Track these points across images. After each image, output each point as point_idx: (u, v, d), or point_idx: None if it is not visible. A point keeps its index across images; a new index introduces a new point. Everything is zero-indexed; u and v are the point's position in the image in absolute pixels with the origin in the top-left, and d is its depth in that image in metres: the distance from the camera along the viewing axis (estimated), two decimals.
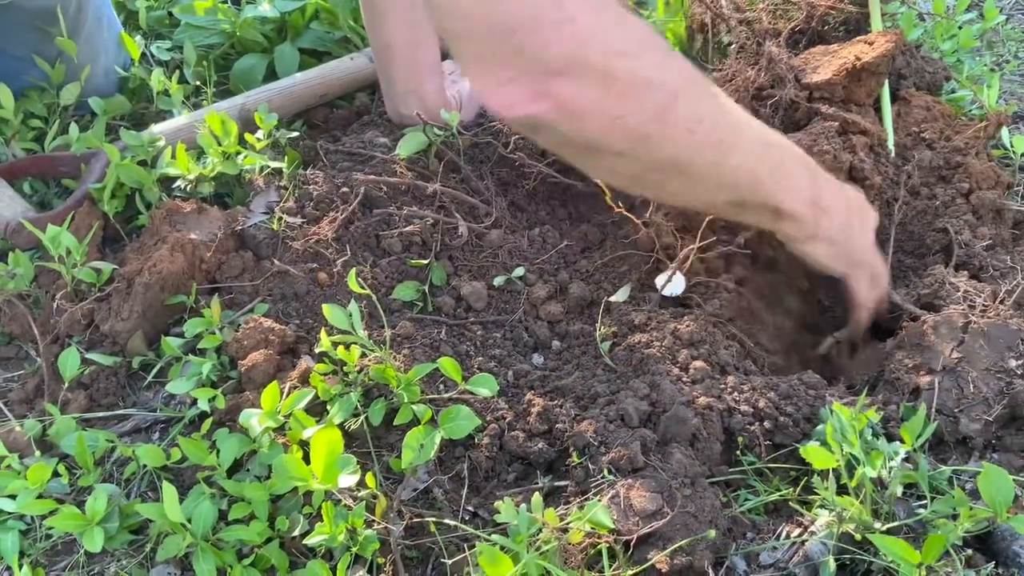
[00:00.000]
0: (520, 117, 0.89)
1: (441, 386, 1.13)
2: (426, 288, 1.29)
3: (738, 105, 1.07)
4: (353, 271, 1.06)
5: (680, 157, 0.96)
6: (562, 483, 1.03)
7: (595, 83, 0.85)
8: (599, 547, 0.91)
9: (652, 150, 0.93)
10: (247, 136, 1.41)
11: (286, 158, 1.43)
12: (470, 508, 1.02)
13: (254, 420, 1.00)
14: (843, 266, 1.18)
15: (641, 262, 1.33)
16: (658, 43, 0.95)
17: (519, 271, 1.33)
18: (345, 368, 1.06)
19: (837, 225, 1.13)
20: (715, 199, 1.08)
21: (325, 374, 1.08)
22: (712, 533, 0.89)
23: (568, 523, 0.92)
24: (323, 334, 1.07)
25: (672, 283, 1.22)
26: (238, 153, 1.40)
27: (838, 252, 1.16)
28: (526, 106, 0.86)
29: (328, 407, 1.06)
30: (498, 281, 1.32)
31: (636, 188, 1.12)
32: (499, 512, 0.93)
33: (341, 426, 1.03)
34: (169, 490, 0.91)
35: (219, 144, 1.39)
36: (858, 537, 0.91)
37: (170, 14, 1.87)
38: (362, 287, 1.06)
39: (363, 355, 1.08)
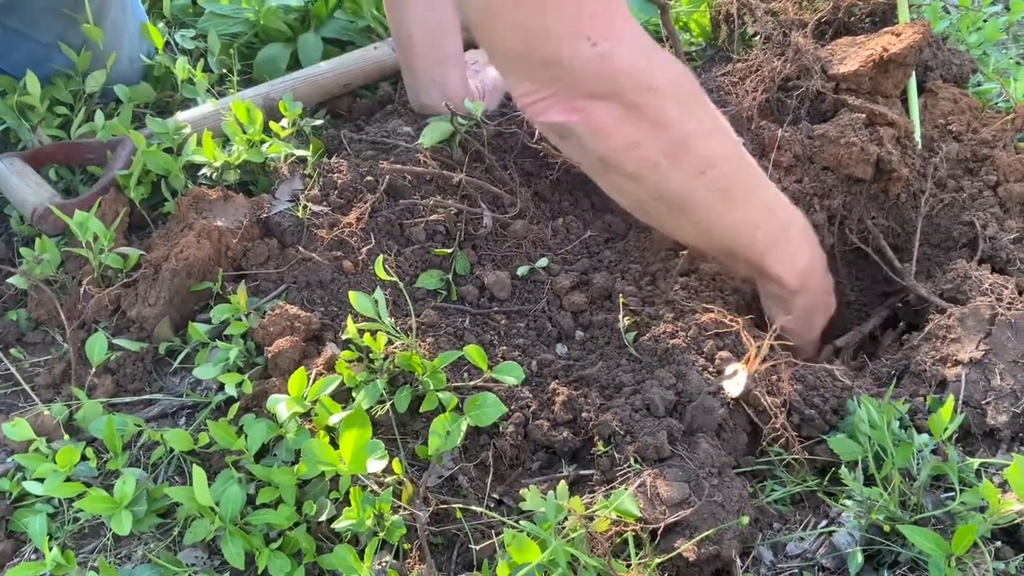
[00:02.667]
0: (549, 122, 0.97)
1: (465, 374, 1.13)
2: (450, 277, 1.29)
3: (762, 174, 1.12)
4: (380, 258, 1.07)
5: (684, 194, 1.04)
6: (587, 472, 1.03)
7: (622, 110, 0.94)
8: (625, 535, 0.91)
9: (660, 180, 1.02)
10: (272, 124, 1.41)
11: (311, 147, 1.43)
12: (495, 496, 1.03)
13: (281, 406, 1.00)
14: (791, 331, 1.21)
15: (666, 254, 1.32)
16: (688, 87, 1.01)
17: (543, 261, 1.33)
18: (371, 355, 1.06)
19: (804, 305, 1.19)
20: (709, 243, 1.17)
21: (351, 361, 1.09)
22: (745, 519, 0.89)
23: (594, 511, 0.92)
24: (349, 321, 1.07)
25: (734, 380, 1.10)
26: (263, 141, 1.40)
27: (794, 325, 1.20)
28: (557, 115, 0.95)
29: (354, 394, 1.07)
30: (522, 271, 1.31)
31: (639, 213, 1.18)
32: (524, 500, 0.93)
33: (367, 412, 1.03)
34: (199, 473, 0.92)
35: (244, 132, 1.39)
36: (887, 528, 0.90)
37: (194, 2, 1.87)
38: (388, 274, 1.06)
39: (388, 343, 1.08)
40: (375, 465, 0.87)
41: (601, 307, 1.29)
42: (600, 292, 1.29)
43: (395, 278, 1.06)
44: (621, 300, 1.23)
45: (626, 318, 1.20)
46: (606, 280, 1.30)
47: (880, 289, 1.41)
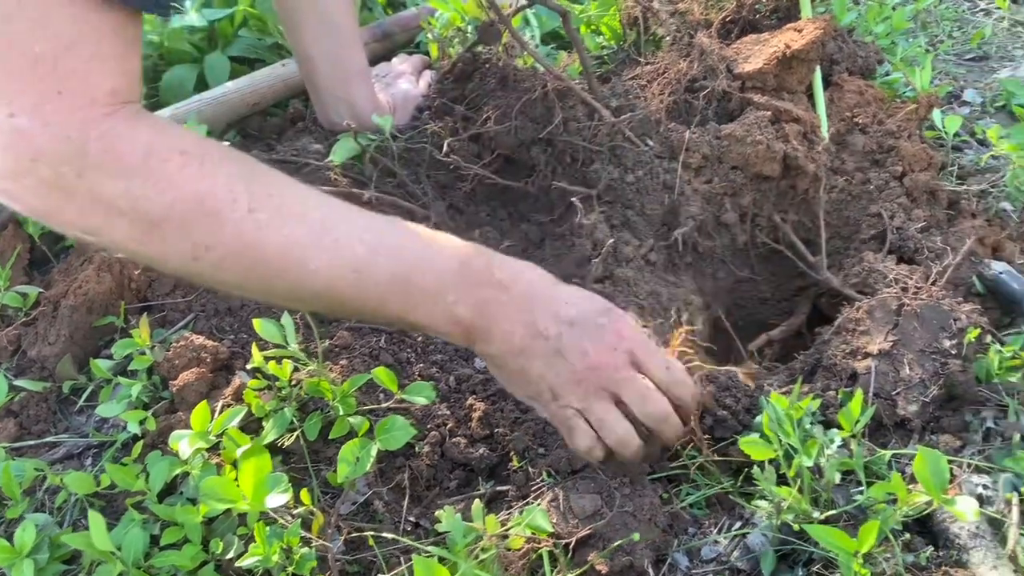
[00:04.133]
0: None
1: (381, 396, 1.11)
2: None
3: (343, 215, 0.91)
4: None
5: (212, 278, 0.89)
6: (504, 488, 1.02)
7: (55, 194, 0.80)
8: (540, 552, 0.90)
9: (173, 268, 0.88)
10: None
11: None
12: (412, 519, 1.01)
13: (184, 442, 0.98)
14: (540, 407, 0.98)
15: (581, 260, 1.32)
16: (155, 166, 0.80)
17: None
18: (278, 383, 1.04)
19: (496, 352, 0.94)
20: (322, 311, 1.09)
21: (259, 390, 1.06)
22: (636, 536, 0.88)
23: (508, 529, 0.91)
24: (255, 349, 1.04)
25: None
26: None
27: (518, 383, 0.97)
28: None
29: (264, 423, 1.04)
30: None
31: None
32: (440, 521, 0.92)
33: (275, 443, 1.01)
34: (96, 519, 0.89)
35: None
36: (796, 527, 0.91)
37: None
38: None
39: (297, 369, 1.06)
40: (275, 500, 0.85)
41: None
42: None
43: None
44: None
45: None
46: None
47: (795, 284, 1.42)
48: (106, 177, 0.79)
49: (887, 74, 1.71)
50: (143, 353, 1.14)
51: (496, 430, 1.06)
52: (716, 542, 0.95)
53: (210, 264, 0.84)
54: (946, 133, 1.50)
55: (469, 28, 1.60)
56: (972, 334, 1.08)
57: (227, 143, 1.48)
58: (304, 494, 0.94)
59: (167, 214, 0.81)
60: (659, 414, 0.95)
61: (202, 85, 1.67)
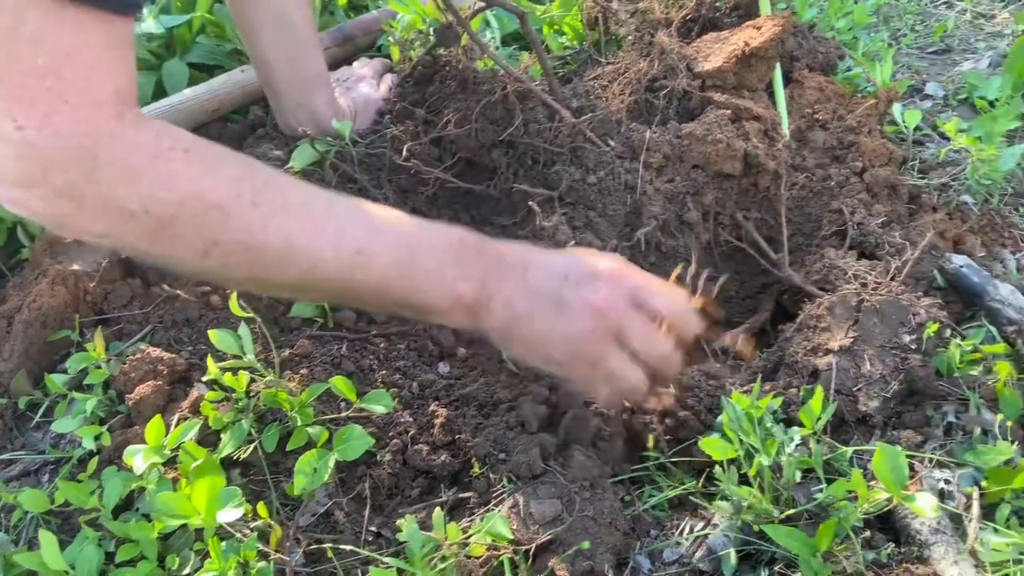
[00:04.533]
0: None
1: (342, 404, 1.10)
2: (326, 304, 1.26)
3: (342, 208, 0.93)
4: (234, 295, 1.03)
5: (219, 274, 0.92)
6: (466, 495, 1.01)
7: (65, 203, 0.81)
8: (501, 559, 0.89)
9: (180, 264, 0.89)
10: None
11: None
12: (373, 528, 1.00)
13: (138, 457, 0.96)
14: (558, 369, 0.97)
15: None
16: (162, 167, 0.82)
17: None
18: (235, 395, 1.03)
19: (499, 323, 0.94)
20: (328, 300, 1.13)
21: (216, 402, 1.05)
22: (586, 544, 0.87)
23: (469, 537, 0.90)
24: (210, 361, 1.03)
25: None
26: None
27: (518, 353, 0.99)
28: (9, 206, 0.84)
29: (223, 436, 1.03)
30: None
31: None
32: (401, 531, 0.91)
33: (234, 455, 1.00)
34: (47, 537, 0.87)
35: None
36: (756, 528, 0.90)
37: None
38: (245, 310, 1.02)
39: (254, 380, 1.05)
40: (227, 515, 0.83)
41: None
42: None
43: (251, 313, 1.03)
44: None
45: None
46: None
47: (759, 282, 1.42)
48: (116, 181, 0.80)
49: (848, 69, 1.71)
50: (98, 367, 1.12)
51: (458, 436, 1.05)
52: (678, 544, 0.95)
53: (219, 259, 0.86)
54: (906, 127, 1.51)
55: (430, 30, 1.59)
56: (931, 328, 1.08)
57: None
58: (261, 507, 0.92)
59: (176, 213, 0.83)
60: (664, 355, 0.97)
61: (161, 92, 1.65)
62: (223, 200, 0.85)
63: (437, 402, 1.11)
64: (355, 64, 1.69)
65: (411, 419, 1.08)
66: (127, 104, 0.82)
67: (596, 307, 0.93)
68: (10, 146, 0.77)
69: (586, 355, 0.94)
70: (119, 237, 0.85)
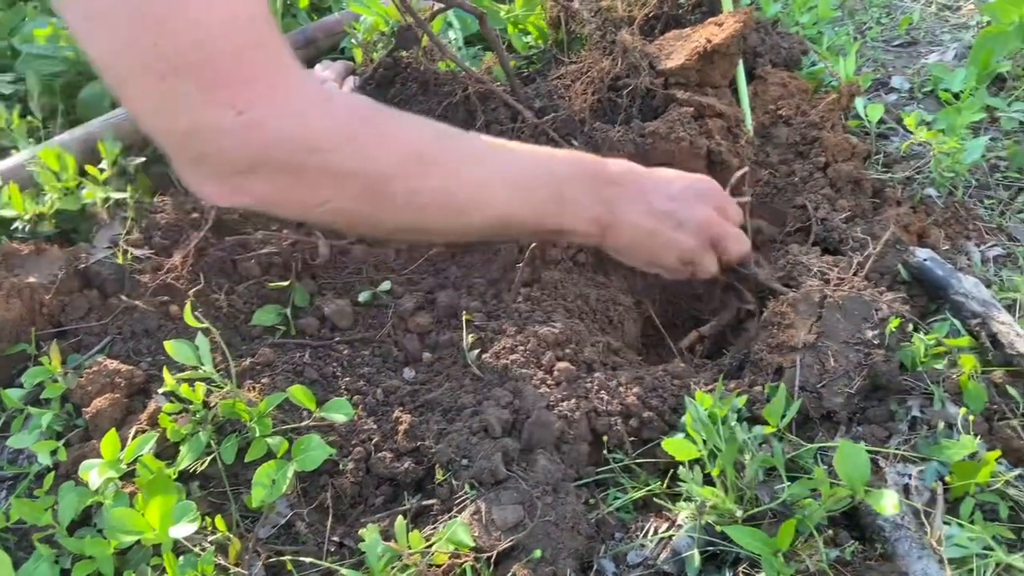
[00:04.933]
0: (225, 207, 0.92)
1: (304, 413, 1.08)
2: (288, 311, 1.24)
3: (502, 152, 1.05)
4: (188, 304, 1.02)
5: (410, 225, 0.99)
6: (429, 502, 1.00)
7: (286, 178, 0.86)
8: (464, 566, 0.88)
9: (377, 223, 0.98)
10: (88, 168, 1.34)
11: (133, 186, 1.36)
12: (336, 539, 0.99)
13: (94, 472, 0.94)
14: (658, 268, 1.18)
15: (508, 264, 1.30)
16: (362, 129, 0.91)
17: (385, 285, 1.30)
18: (192, 407, 1.01)
19: (627, 243, 1.12)
20: (474, 240, 1.17)
21: (174, 414, 1.03)
22: (537, 553, 0.86)
23: (431, 544, 0.89)
24: (165, 372, 1.01)
25: None
26: (80, 186, 1.33)
27: (636, 262, 1.17)
28: (226, 200, 0.87)
29: (182, 448, 1.01)
30: (363, 297, 1.28)
31: (394, 242, 1.20)
32: (364, 540, 0.89)
33: (190, 468, 0.98)
34: (1, 558, 0.86)
35: (59, 179, 1.32)
36: (719, 528, 0.90)
37: (11, 46, 1.78)
38: (199, 320, 1.01)
39: (211, 391, 1.03)
40: (180, 530, 0.82)
41: (448, 325, 1.26)
42: (446, 311, 1.27)
43: (206, 324, 1.01)
44: (465, 317, 1.20)
45: (470, 335, 1.18)
46: (451, 298, 1.27)
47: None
48: (335, 146, 0.87)
49: (813, 64, 1.72)
50: (55, 380, 1.10)
51: (422, 443, 1.04)
52: (643, 546, 0.94)
53: (416, 210, 0.95)
54: (869, 121, 1.50)
55: (393, 32, 1.57)
56: (893, 323, 1.08)
57: (141, 159, 1.44)
58: (219, 520, 0.91)
59: (387, 170, 0.91)
60: (744, 251, 1.19)
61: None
62: (423, 152, 0.95)
63: (401, 408, 1.10)
64: (317, 67, 1.67)
65: (375, 426, 1.07)
66: (299, 64, 0.87)
67: (701, 224, 1.14)
68: (233, 135, 0.80)
69: (690, 259, 1.15)
70: (338, 203, 0.90)
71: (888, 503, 0.85)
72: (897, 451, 1.01)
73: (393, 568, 0.86)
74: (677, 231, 1.13)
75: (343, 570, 0.85)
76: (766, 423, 1.01)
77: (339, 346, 1.22)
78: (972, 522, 0.94)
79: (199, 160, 0.84)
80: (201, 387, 1.01)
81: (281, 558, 0.93)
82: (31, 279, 1.19)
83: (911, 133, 1.53)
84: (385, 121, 0.94)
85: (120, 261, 1.23)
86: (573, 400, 1.04)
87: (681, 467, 0.96)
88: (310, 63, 1.71)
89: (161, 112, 0.81)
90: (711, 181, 1.19)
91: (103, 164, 1.36)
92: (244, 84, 0.79)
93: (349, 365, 1.20)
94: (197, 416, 1.02)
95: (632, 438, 1.04)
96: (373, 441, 1.05)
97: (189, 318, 1.00)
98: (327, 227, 0.99)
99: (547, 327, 1.16)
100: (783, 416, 1.00)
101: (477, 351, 1.16)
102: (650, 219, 1.11)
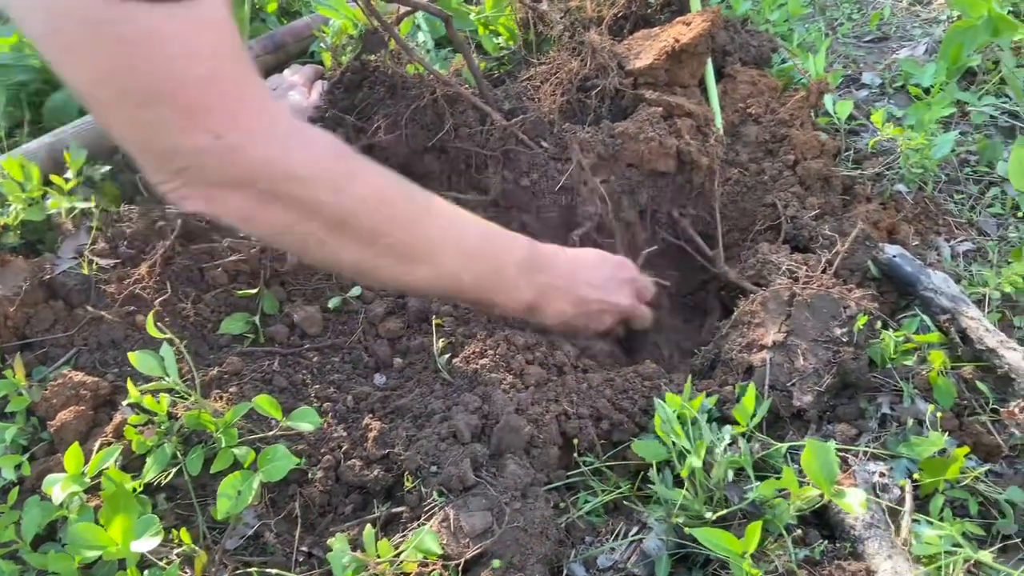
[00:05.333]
0: (190, 211, 0.91)
1: (272, 423, 1.07)
2: (256, 319, 1.23)
3: (456, 222, 1.09)
4: (151, 315, 1.00)
5: (362, 263, 1.01)
6: (399, 509, 0.99)
7: (263, 199, 0.90)
8: (432, 575, 0.88)
9: (331, 255, 1.00)
10: (53, 177, 1.32)
11: (98, 196, 1.35)
12: (304, 548, 0.98)
13: (57, 486, 0.93)
14: (565, 337, 1.24)
15: None
16: (337, 166, 0.96)
17: (355, 290, 1.29)
18: (156, 418, 1.00)
19: (551, 323, 1.20)
20: (418, 294, 1.21)
21: (140, 426, 1.02)
22: (496, 564, 0.85)
23: (399, 553, 0.88)
24: (129, 384, 1.00)
25: None
26: (45, 196, 1.31)
27: (556, 334, 1.22)
28: (194, 205, 0.89)
29: (148, 459, 1.00)
30: (333, 302, 1.27)
31: (345, 277, 1.24)
32: (332, 550, 0.89)
33: (153, 481, 0.97)
34: None
35: (23, 190, 1.30)
36: (687, 530, 0.89)
37: None
38: (162, 331, 1.00)
39: (175, 402, 1.02)
40: (143, 544, 0.81)
41: (419, 330, 1.25)
42: (416, 315, 1.26)
43: (169, 334, 1.00)
44: (436, 322, 1.20)
45: (441, 340, 1.17)
46: (422, 303, 1.26)
47: (699, 278, 1.42)
48: (311, 175, 0.91)
49: (784, 61, 1.71)
50: (20, 393, 1.09)
51: (391, 450, 1.03)
52: (612, 549, 0.94)
53: (377, 252, 0.99)
54: (838, 118, 1.51)
55: (361, 35, 1.56)
56: (861, 321, 1.08)
57: (107, 167, 1.43)
58: (184, 533, 0.90)
59: (357, 207, 0.96)
60: (647, 323, 1.31)
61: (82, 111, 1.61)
62: (389, 198, 1.00)
63: (372, 415, 1.09)
64: (286, 72, 1.66)
65: (345, 433, 1.06)
66: (270, 92, 0.92)
67: (619, 309, 1.24)
68: (213, 156, 0.83)
69: (603, 333, 1.27)
70: (303, 228, 0.94)
71: (855, 502, 0.85)
72: (867, 449, 1.01)
73: None
74: (596, 315, 1.23)
75: None
76: (737, 423, 1.01)
77: (309, 353, 1.21)
78: (942, 519, 0.94)
79: (178, 173, 0.86)
80: (165, 398, 0.99)
81: (248, 569, 0.93)
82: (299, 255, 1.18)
83: (879, 130, 1.53)
84: (357, 161, 0.99)
85: (86, 271, 1.21)
86: (543, 404, 1.04)
87: (652, 469, 0.96)
88: (280, 67, 1.70)
89: (141, 135, 0.83)
90: (629, 265, 1.28)
91: (68, 173, 1.34)
92: (220, 111, 0.82)
93: (319, 372, 1.19)
94: (162, 428, 1.00)
95: (603, 441, 1.04)
96: (343, 449, 1.04)
97: (152, 328, 0.99)
98: (290, 252, 1.02)
99: (517, 331, 1.15)
100: (753, 416, 0.99)
101: (448, 356, 1.15)
102: (573, 307, 1.20)
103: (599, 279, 1.23)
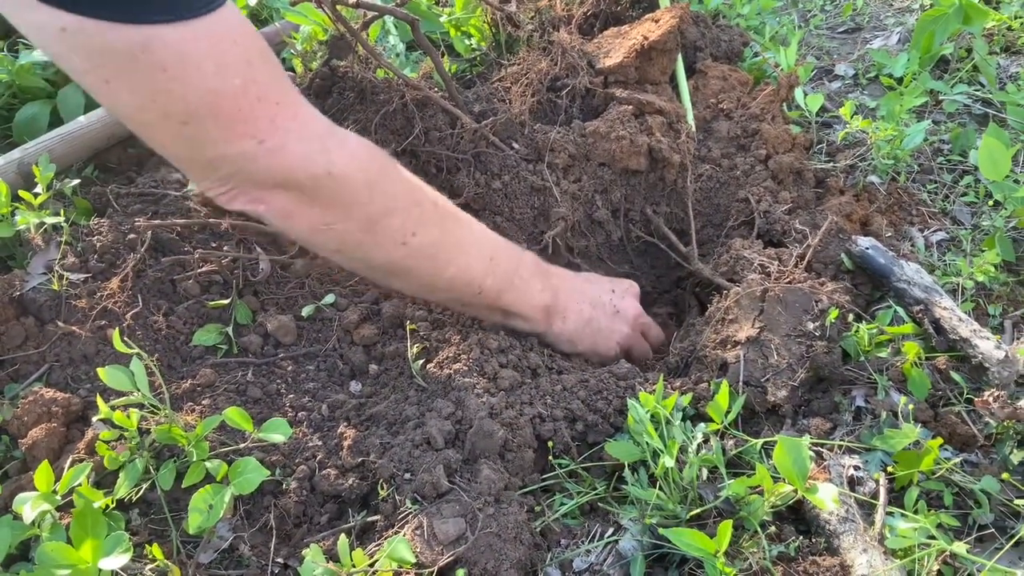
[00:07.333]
0: (237, 211, 0.96)
1: (247, 434, 1.07)
2: (230, 329, 1.22)
3: (476, 228, 1.14)
4: (116, 331, 1.00)
5: (392, 263, 1.05)
6: (374, 518, 0.99)
7: (304, 197, 0.94)
8: None
9: (364, 254, 1.04)
10: (22, 193, 1.31)
11: (68, 210, 1.34)
12: (280, 560, 0.97)
13: (27, 505, 0.92)
14: (588, 354, 1.26)
15: None
16: (373, 165, 1.00)
17: (329, 298, 1.28)
18: (127, 434, 0.99)
19: (572, 328, 1.22)
20: (437, 298, 1.21)
21: (111, 441, 1.01)
22: (461, 573, 0.85)
23: (373, 562, 0.88)
24: (99, 400, 0.99)
25: None
26: (14, 212, 1.30)
27: (581, 349, 1.25)
28: (241, 206, 0.93)
29: (121, 475, 0.99)
30: (307, 311, 1.26)
31: (367, 278, 1.26)
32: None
33: (135, 492, 0.96)
34: None
35: None
36: (661, 531, 0.89)
37: None
38: (130, 345, 0.99)
39: (146, 417, 1.01)
40: (111, 562, 0.80)
41: (394, 336, 1.25)
42: (391, 321, 1.25)
43: (137, 349, 0.99)
44: (410, 327, 1.19)
45: (415, 346, 1.16)
46: (396, 308, 1.26)
47: (675, 275, 1.41)
48: (349, 174, 0.95)
49: (756, 55, 1.71)
50: None
51: (366, 458, 1.02)
52: (588, 551, 0.93)
53: (407, 252, 1.03)
54: (809, 112, 1.50)
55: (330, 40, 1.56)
56: (832, 315, 1.08)
57: (76, 181, 1.42)
58: (155, 548, 0.89)
59: (396, 208, 1.00)
60: (649, 352, 1.32)
61: (57, 121, 1.60)
62: (421, 200, 1.04)
63: (347, 423, 1.09)
64: None
65: (320, 442, 1.06)
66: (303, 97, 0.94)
67: (633, 314, 1.27)
68: (258, 161, 0.87)
69: (626, 345, 1.28)
70: (341, 226, 0.98)
71: (827, 497, 0.84)
72: (841, 443, 1.01)
73: None
74: (614, 318, 1.26)
75: None
76: (711, 420, 1.00)
77: (283, 362, 1.21)
78: (916, 511, 0.94)
79: (226, 179, 0.90)
80: (135, 413, 0.99)
81: None
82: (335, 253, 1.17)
83: (848, 122, 1.53)
84: (393, 165, 1.04)
85: (56, 287, 1.20)
86: (517, 407, 1.04)
87: (627, 469, 0.96)
88: None
89: (187, 150, 0.87)
90: (632, 283, 1.31)
91: (38, 188, 1.33)
92: (259, 117, 0.86)
93: (294, 381, 1.18)
94: (133, 443, 1.00)
95: (578, 442, 1.04)
96: (317, 458, 1.04)
97: (118, 344, 0.98)
98: (326, 251, 1.04)
99: (491, 333, 1.15)
100: (727, 412, 0.99)
101: (422, 361, 1.15)
102: (591, 307, 1.23)
103: (608, 284, 1.28)
